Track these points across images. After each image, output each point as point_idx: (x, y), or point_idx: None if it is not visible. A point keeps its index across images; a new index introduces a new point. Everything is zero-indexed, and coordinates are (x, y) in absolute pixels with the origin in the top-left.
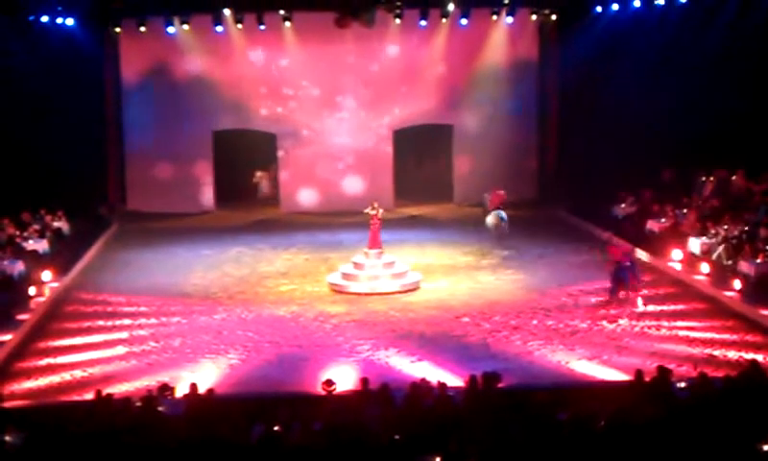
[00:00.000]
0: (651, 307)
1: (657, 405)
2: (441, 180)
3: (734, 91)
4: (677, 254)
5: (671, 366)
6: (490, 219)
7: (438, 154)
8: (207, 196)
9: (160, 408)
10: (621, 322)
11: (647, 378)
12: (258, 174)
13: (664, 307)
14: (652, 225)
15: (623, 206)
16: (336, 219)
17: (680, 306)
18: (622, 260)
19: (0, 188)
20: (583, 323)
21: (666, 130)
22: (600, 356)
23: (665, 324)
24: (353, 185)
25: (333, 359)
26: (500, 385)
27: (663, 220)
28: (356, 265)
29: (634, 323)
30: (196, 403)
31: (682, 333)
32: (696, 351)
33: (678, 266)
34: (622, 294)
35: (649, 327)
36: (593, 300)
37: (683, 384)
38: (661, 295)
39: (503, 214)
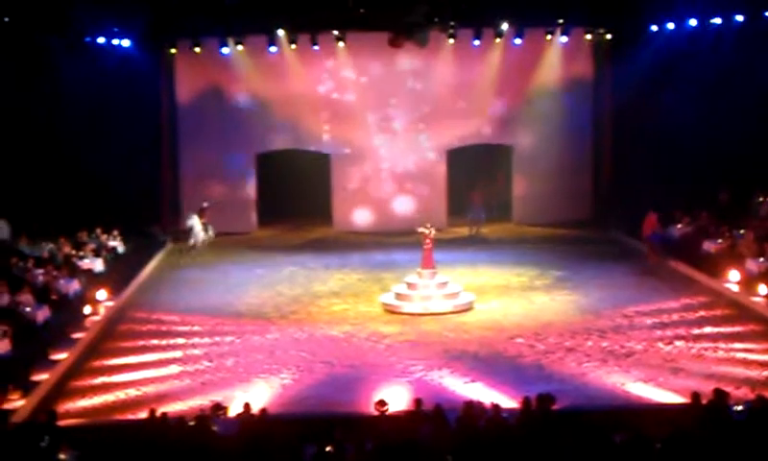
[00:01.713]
0: (708, 329)
1: (714, 428)
2: (495, 199)
3: None
4: (734, 275)
5: (728, 388)
6: (472, 215)
7: (492, 173)
8: (261, 216)
9: (214, 428)
10: (677, 343)
11: (704, 401)
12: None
13: (721, 329)
14: (708, 246)
15: (679, 226)
16: (389, 239)
17: (737, 328)
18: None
19: (57, 208)
20: (638, 344)
21: (723, 150)
22: (656, 378)
23: (722, 346)
24: (406, 205)
25: (386, 379)
26: (555, 407)
27: (720, 241)
28: (409, 285)
29: (690, 345)
30: (249, 423)
31: (739, 355)
32: (754, 373)
33: (735, 287)
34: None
35: (706, 349)
36: (649, 321)
37: (740, 407)
38: (718, 317)
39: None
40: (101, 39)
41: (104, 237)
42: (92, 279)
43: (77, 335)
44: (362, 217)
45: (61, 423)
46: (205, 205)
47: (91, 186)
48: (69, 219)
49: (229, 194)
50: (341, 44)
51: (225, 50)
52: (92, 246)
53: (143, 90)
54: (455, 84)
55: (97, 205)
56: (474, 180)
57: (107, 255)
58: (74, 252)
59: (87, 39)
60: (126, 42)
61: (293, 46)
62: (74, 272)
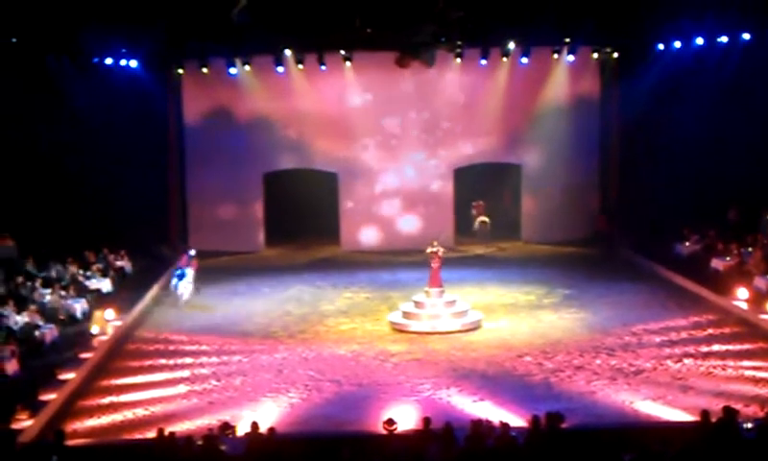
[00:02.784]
0: (716, 347)
1: (723, 446)
2: (502, 218)
3: None
4: (742, 292)
5: (737, 406)
6: (476, 225)
7: (499, 192)
8: (269, 235)
9: (222, 447)
10: (686, 361)
11: (713, 419)
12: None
13: (730, 347)
14: (717, 263)
15: (687, 244)
16: (396, 258)
17: (746, 346)
18: None
19: (64, 228)
20: (647, 362)
21: (731, 168)
22: (665, 396)
23: (731, 363)
24: (414, 224)
25: (394, 398)
26: (563, 425)
27: (728, 258)
28: (417, 304)
29: (699, 362)
30: (257, 442)
31: (748, 373)
32: (763, 390)
33: (743, 305)
34: None
35: (714, 367)
36: (657, 339)
37: (749, 425)
38: (727, 334)
39: (486, 219)
40: (109, 60)
41: (111, 257)
42: (100, 298)
43: (84, 355)
44: (369, 236)
45: (69, 443)
46: (193, 253)
47: (99, 206)
48: (76, 239)
49: (237, 213)
50: (348, 64)
51: (232, 70)
52: (99, 266)
53: (151, 110)
54: (462, 103)
55: (104, 225)
56: (480, 197)
57: (114, 275)
58: (81, 272)
59: (95, 60)
60: (134, 63)
61: (300, 66)
62: (81, 292)
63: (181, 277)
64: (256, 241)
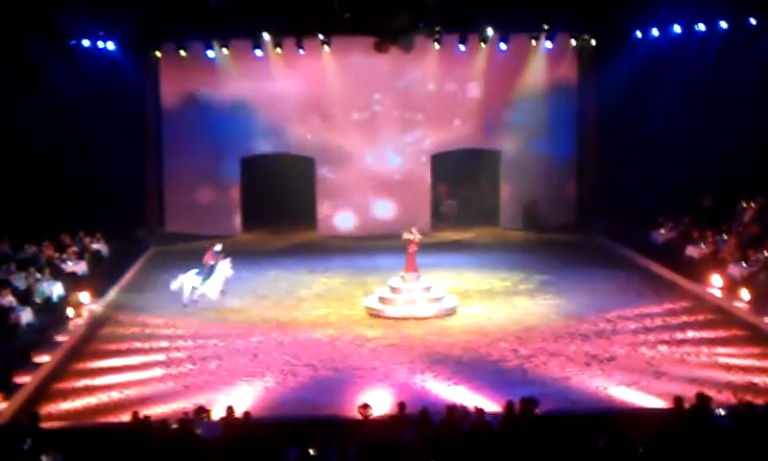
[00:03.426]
0: (690, 334)
1: (696, 432)
2: (479, 204)
3: None
4: (717, 280)
5: (711, 393)
6: (444, 208)
7: (476, 178)
8: (245, 219)
9: (197, 431)
10: (660, 348)
11: (686, 405)
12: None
13: (704, 334)
14: (691, 251)
15: (662, 231)
16: (372, 243)
17: (719, 333)
18: None
19: (40, 210)
20: (621, 349)
21: (707, 155)
22: (639, 383)
23: (705, 350)
24: (390, 209)
25: (369, 383)
26: (538, 411)
27: (703, 246)
28: (393, 289)
29: (673, 349)
30: (232, 426)
31: (721, 360)
32: (736, 378)
33: (718, 293)
34: None
35: (688, 354)
36: (632, 325)
37: (722, 412)
38: (701, 321)
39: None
40: (86, 42)
41: (87, 240)
42: (75, 281)
43: (60, 338)
44: (346, 221)
45: (44, 425)
46: (219, 248)
47: (75, 189)
48: (52, 222)
49: (214, 197)
50: (326, 48)
51: (210, 53)
52: (75, 249)
53: (128, 93)
54: (440, 88)
55: (80, 207)
56: (458, 183)
57: (90, 258)
58: (57, 254)
59: (73, 42)
60: (111, 45)
61: (278, 50)
62: (57, 274)
63: (209, 275)
64: (233, 225)
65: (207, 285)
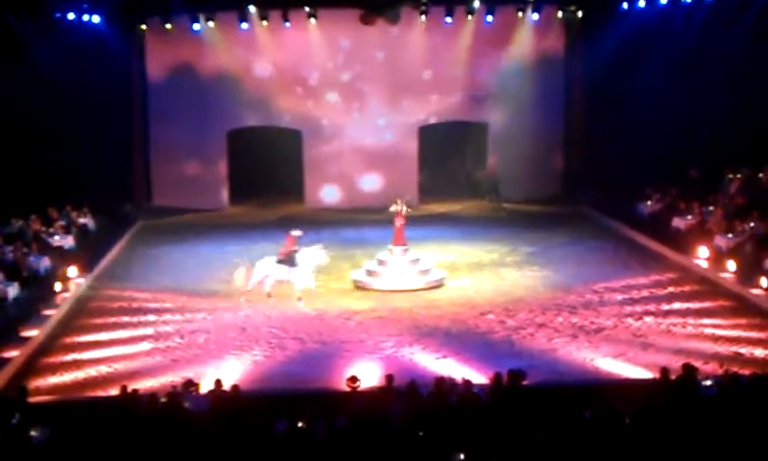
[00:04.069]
0: (677, 305)
1: (682, 403)
2: (467, 176)
3: (762, 88)
4: (703, 251)
5: (697, 364)
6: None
7: (464, 150)
8: (233, 193)
9: (185, 404)
10: (647, 319)
11: (673, 376)
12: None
13: (690, 305)
14: (678, 222)
15: (649, 203)
16: (360, 216)
17: (706, 304)
18: None
19: (27, 185)
20: (608, 320)
21: (693, 127)
22: (625, 354)
23: (691, 321)
24: (378, 182)
25: (357, 356)
26: (525, 382)
27: (690, 217)
28: (381, 262)
29: (659, 320)
30: (220, 399)
31: (708, 331)
32: (722, 348)
33: (704, 264)
34: None
35: (675, 325)
36: (619, 297)
37: (709, 382)
38: (687, 292)
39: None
40: (71, 15)
41: (74, 214)
42: (63, 255)
43: (47, 312)
44: (333, 194)
45: (32, 399)
46: (298, 233)
47: (61, 163)
48: (39, 196)
49: (201, 171)
50: (312, 21)
51: (196, 26)
52: (62, 223)
53: (113, 67)
54: (427, 61)
55: (67, 182)
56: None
57: (77, 233)
58: (44, 229)
59: (58, 15)
60: (96, 18)
61: (264, 23)
62: (44, 249)
63: (293, 263)
64: (220, 199)
65: (295, 274)
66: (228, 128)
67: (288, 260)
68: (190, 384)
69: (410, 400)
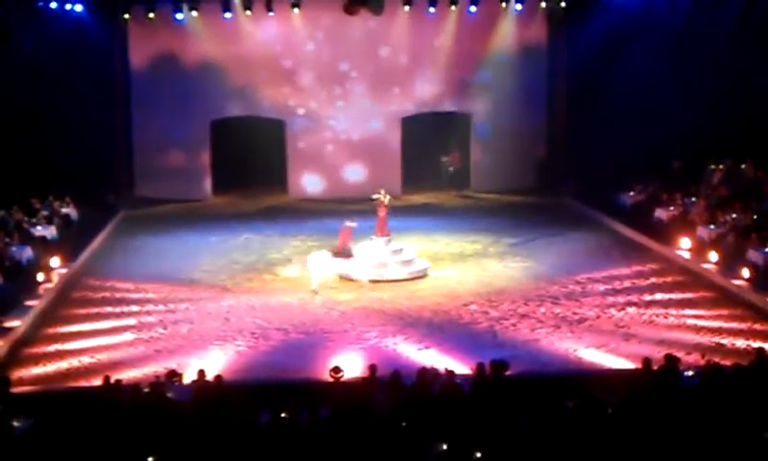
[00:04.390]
0: (659, 296)
1: (664, 393)
2: (449, 167)
3: (745, 79)
4: (685, 242)
5: (679, 354)
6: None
7: (447, 141)
8: (216, 183)
9: (168, 394)
10: (629, 310)
11: (655, 367)
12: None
13: (672, 296)
14: (660, 213)
15: (632, 193)
16: (343, 206)
17: (688, 295)
18: None
19: (9, 174)
20: (591, 311)
21: (676, 118)
22: (608, 344)
23: (673, 312)
24: (360, 172)
25: (340, 346)
26: (508, 373)
27: (672, 208)
28: (364, 252)
29: (641, 311)
30: (204, 390)
31: (690, 322)
32: (704, 339)
33: (686, 255)
34: None
35: (657, 316)
36: (601, 287)
37: (690, 373)
38: (670, 283)
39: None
40: (53, 4)
41: (56, 204)
42: (45, 245)
43: (30, 302)
44: (316, 184)
45: (15, 390)
46: (354, 224)
47: (44, 153)
48: (21, 186)
49: (184, 161)
50: (296, 10)
51: (179, 16)
52: (45, 213)
53: (96, 56)
54: (410, 51)
55: (50, 171)
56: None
57: (59, 223)
58: (26, 218)
59: (40, 4)
60: (78, 7)
61: (248, 12)
62: (26, 239)
63: (349, 255)
64: (203, 189)
65: (354, 267)
66: (211, 118)
67: (344, 253)
68: (173, 374)
69: (393, 391)
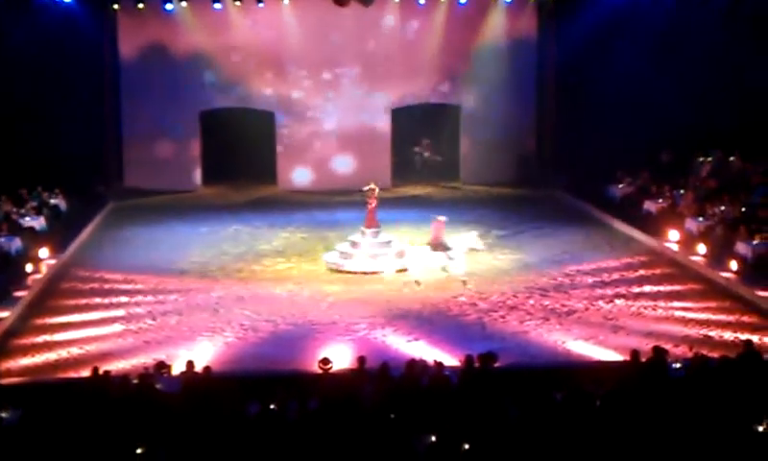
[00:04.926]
0: (647, 288)
1: (652, 385)
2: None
3: (736, 71)
4: (674, 234)
5: (667, 346)
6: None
7: (437, 133)
8: (205, 174)
9: (157, 386)
10: (617, 302)
11: (643, 359)
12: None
13: (661, 288)
14: (649, 205)
15: (620, 186)
16: (333, 198)
17: (676, 287)
18: None
19: None
20: (579, 303)
21: (665, 110)
22: (596, 337)
23: (662, 304)
24: (350, 164)
25: (329, 338)
26: (496, 365)
27: (661, 201)
28: (353, 244)
29: (630, 303)
30: (192, 381)
31: (678, 314)
32: (692, 331)
33: (675, 247)
34: None
35: (645, 308)
36: (590, 280)
37: (678, 365)
38: (658, 275)
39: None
40: None
41: (45, 195)
42: (34, 236)
43: (18, 293)
44: (306, 176)
45: (3, 381)
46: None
47: (33, 144)
48: (9, 177)
49: (173, 152)
50: (285, 1)
51: (168, 6)
52: (33, 204)
53: (85, 47)
54: (400, 42)
55: (38, 162)
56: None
57: (48, 213)
58: (15, 209)
59: None
60: None
61: (237, 2)
62: (15, 230)
63: (446, 248)
64: (193, 180)
65: (453, 260)
66: (200, 109)
67: (441, 246)
68: (162, 366)
69: (381, 383)
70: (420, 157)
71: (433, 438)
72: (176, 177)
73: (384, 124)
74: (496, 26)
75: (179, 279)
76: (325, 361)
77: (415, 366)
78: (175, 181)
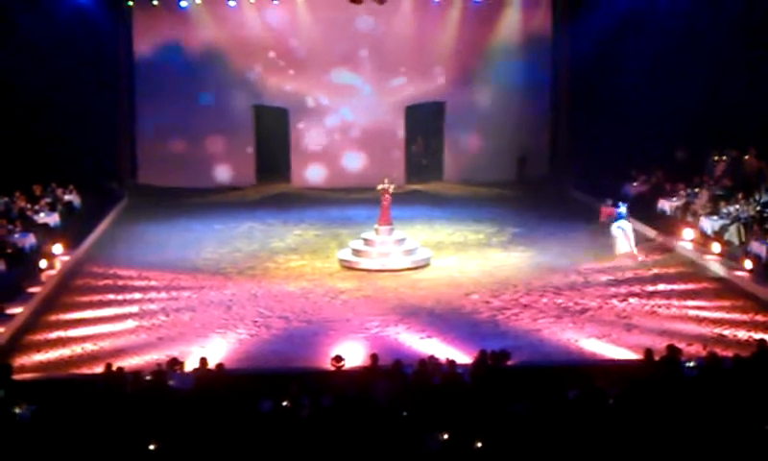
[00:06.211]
0: (661, 287)
1: (666, 384)
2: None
3: (750, 70)
4: (688, 233)
5: (680, 345)
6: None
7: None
8: (219, 171)
9: (170, 382)
10: (631, 300)
11: (657, 357)
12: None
13: (675, 287)
14: (664, 204)
15: (635, 184)
16: (347, 195)
17: (690, 286)
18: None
19: (12, 161)
20: (593, 301)
21: (679, 108)
22: (610, 335)
23: (676, 303)
24: (364, 161)
25: (342, 335)
26: (509, 363)
27: (675, 199)
28: (367, 241)
29: (644, 302)
30: (205, 378)
31: (692, 313)
32: (706, 330)
33: (689, 246)
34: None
35: (659, 307)
36: (603, 278)
37: (692, 364)
38: (672, 274)
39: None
40: None
41: (59, 191)
42: (48, 233)
43: (32, 289)
44: (320, 173)
45: (17, 377)
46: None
47: (47, 140)
48: (24, 173)
49: (187, 148)
50: None
51: (183, 3)
52: (48, 200)
53: (100, 43)
54: (414, 40)
55: (53, 158)
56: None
57: (62, 210)
58: (29, 205)
59: None
60: None
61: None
62: (29, 226)
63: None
64: (208, 177)
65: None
66: (215, 106)
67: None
68: (175, 362)
69: (394, 380)
70: (416, 157)
71: (446, 436)
72: (190, 174)
73: (398, 121)
74: (511, 23)
75: (192, 275)
76: (338, 358)
77: (427, 364)
78: (189, 178)
